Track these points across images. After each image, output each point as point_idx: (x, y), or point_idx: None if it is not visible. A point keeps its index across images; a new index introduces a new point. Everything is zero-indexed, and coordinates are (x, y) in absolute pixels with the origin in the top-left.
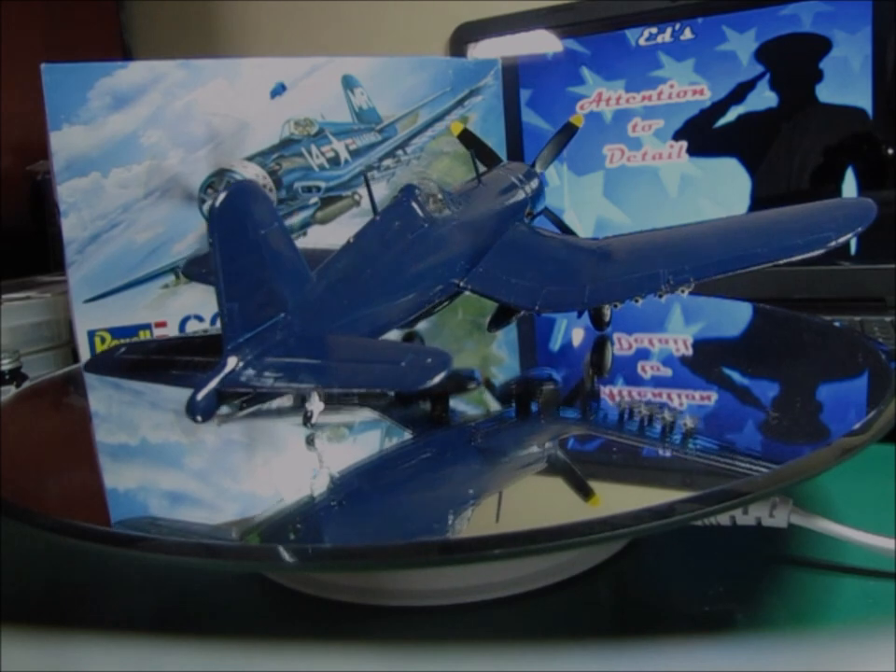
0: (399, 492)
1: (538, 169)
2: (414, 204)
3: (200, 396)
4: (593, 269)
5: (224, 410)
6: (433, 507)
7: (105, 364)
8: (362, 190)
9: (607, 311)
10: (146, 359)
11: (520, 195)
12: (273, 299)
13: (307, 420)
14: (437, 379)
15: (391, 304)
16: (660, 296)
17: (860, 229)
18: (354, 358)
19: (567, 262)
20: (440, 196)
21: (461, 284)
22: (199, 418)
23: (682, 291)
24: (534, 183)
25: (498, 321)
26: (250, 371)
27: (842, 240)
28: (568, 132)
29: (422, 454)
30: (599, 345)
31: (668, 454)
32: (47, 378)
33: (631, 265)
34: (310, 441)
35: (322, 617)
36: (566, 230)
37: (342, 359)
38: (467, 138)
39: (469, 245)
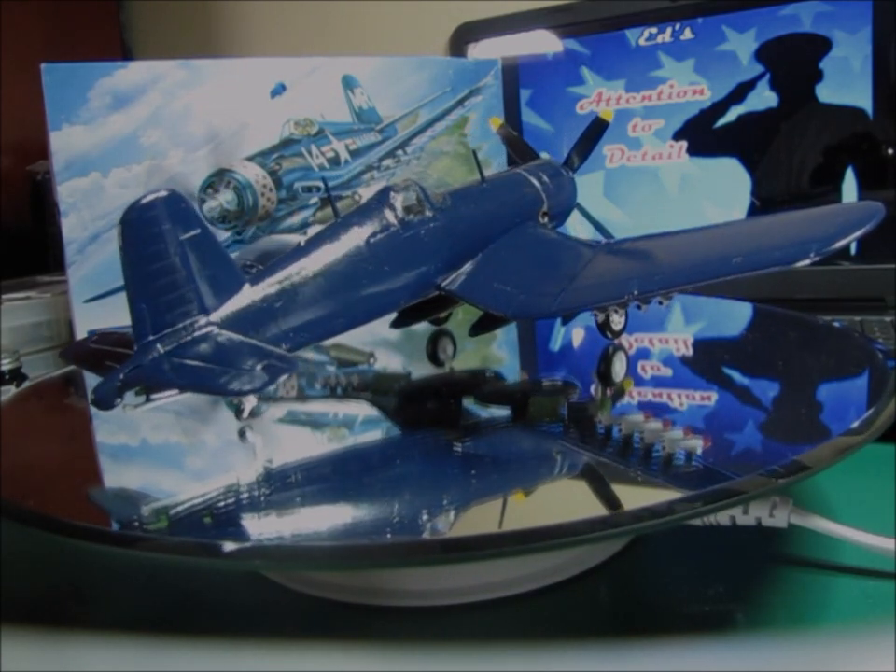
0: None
1: (570, 167)
2: (385, 207)
3: (102, 387)
4: (577, 275)
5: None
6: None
7: (77, 353)
8: (363, 190)
9: (617, 318)
10: (101, 350)
11: (531, 195)
12: (189, 301)
13: (239, 414)
14: (278, 382)
15: (340, 307)
16: (639, 307)
17: (847, 238)
18: (220, 362)
19: (557, 267)
20: (419, 198)
21: (441, 286)
22: (101, 407)
23: (660, 302)
24: (557, 182)
25: (483, 325)
26: (147, 369)
27: (831, 249)
28: (598, 127)
29: (397, 452)
30: (610, 356)
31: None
32: (47, 378)
33: (609, 273)
34: (241, 434)
35: (322, 617)
36: (601, 229)
37: (210, 363)
38: (506, 134)
39: (449, 247)
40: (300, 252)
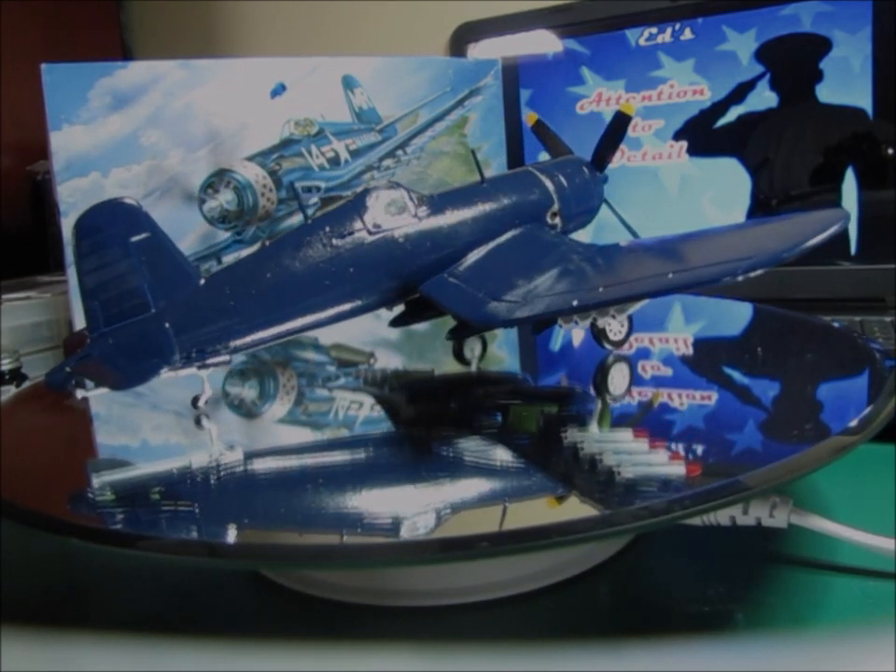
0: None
1: (598, 166)
2: (358, 209)
3: (53, 373)
4: (543, 283)
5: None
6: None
7: (73, 343)
8: None
9: (614, 325)
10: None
11: (538, 195)
12: (138, 298)
13: (195, 403)
14: (157, 376)
15: (299, 307)
16: (595, 320)
17: (792, 253)
18: (133, 358)
19: (534, 272)
20: (401, 200)
21: (420, 288)
22: (52, 390)
23: (613, 316)
24: (576, 181)
25: (464, 329)
26: (95, 359)
27: (764, 266)
28: (621, 122)
29: (391, 452)
30: (608, 367)
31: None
32: None
33: (560, 283)
34: (197, 422)
35: (322, 617)
36: (627, 227)
37: (143, 357)
38: (540, 130)
39: (431, 250)
40: (261, 252)
